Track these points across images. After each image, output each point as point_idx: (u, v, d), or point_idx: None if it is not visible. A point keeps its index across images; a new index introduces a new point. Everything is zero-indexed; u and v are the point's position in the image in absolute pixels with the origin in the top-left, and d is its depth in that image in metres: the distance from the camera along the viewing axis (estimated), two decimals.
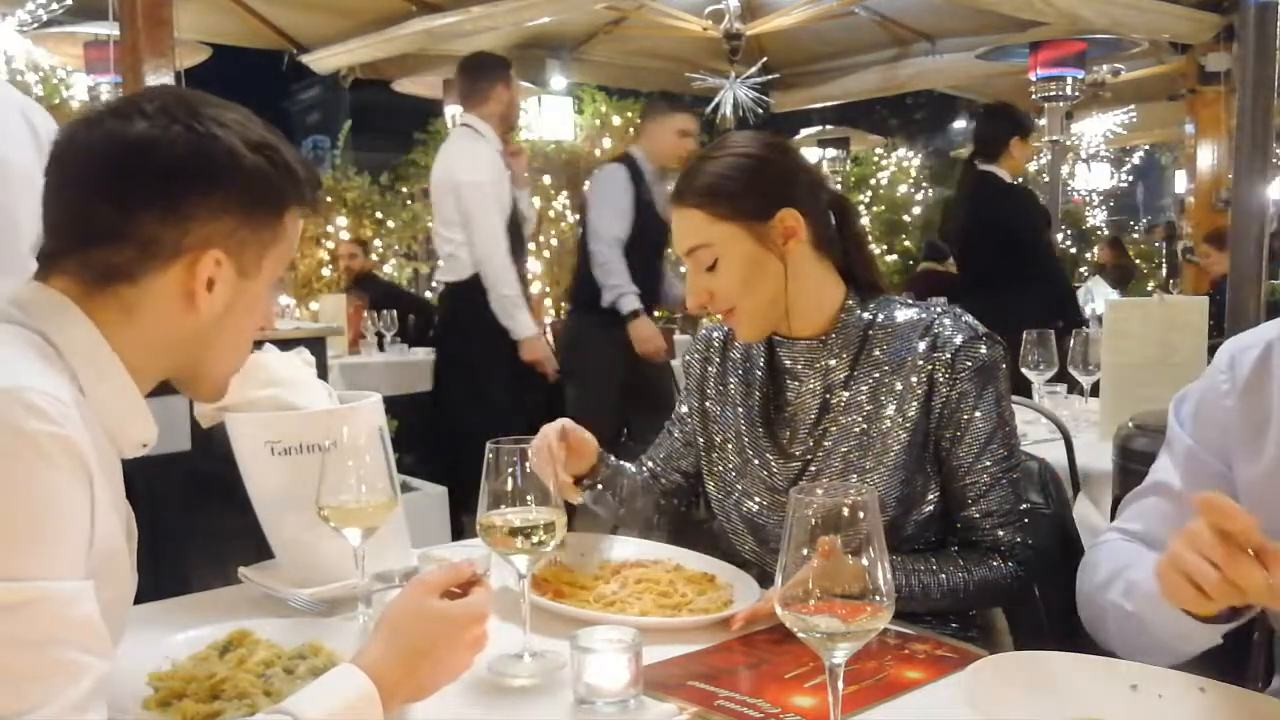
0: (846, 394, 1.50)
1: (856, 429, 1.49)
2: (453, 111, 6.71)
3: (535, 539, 1.18)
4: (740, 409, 1.60)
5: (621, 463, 1.66)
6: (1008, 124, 4.22)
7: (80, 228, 1.00)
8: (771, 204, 1.47)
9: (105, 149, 0.99)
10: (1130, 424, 1.70)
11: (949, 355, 1.45)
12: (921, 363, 1.46)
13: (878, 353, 1.49)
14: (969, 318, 1.50)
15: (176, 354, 1.05)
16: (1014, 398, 1.53)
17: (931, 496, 1.48)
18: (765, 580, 1.44)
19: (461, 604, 1.05)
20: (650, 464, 1.73)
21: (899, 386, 1.47)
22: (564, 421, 1.50)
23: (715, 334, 1.68)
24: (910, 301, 1.56)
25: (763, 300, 1.49)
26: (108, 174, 0.99)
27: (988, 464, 1.46)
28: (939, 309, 1.52)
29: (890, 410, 1.47)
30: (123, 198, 0.99)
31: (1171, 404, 1.30)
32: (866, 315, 1.52)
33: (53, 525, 0.85)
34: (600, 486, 1.59)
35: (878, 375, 1.49)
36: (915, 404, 1.46)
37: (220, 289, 1.03)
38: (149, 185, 0.99)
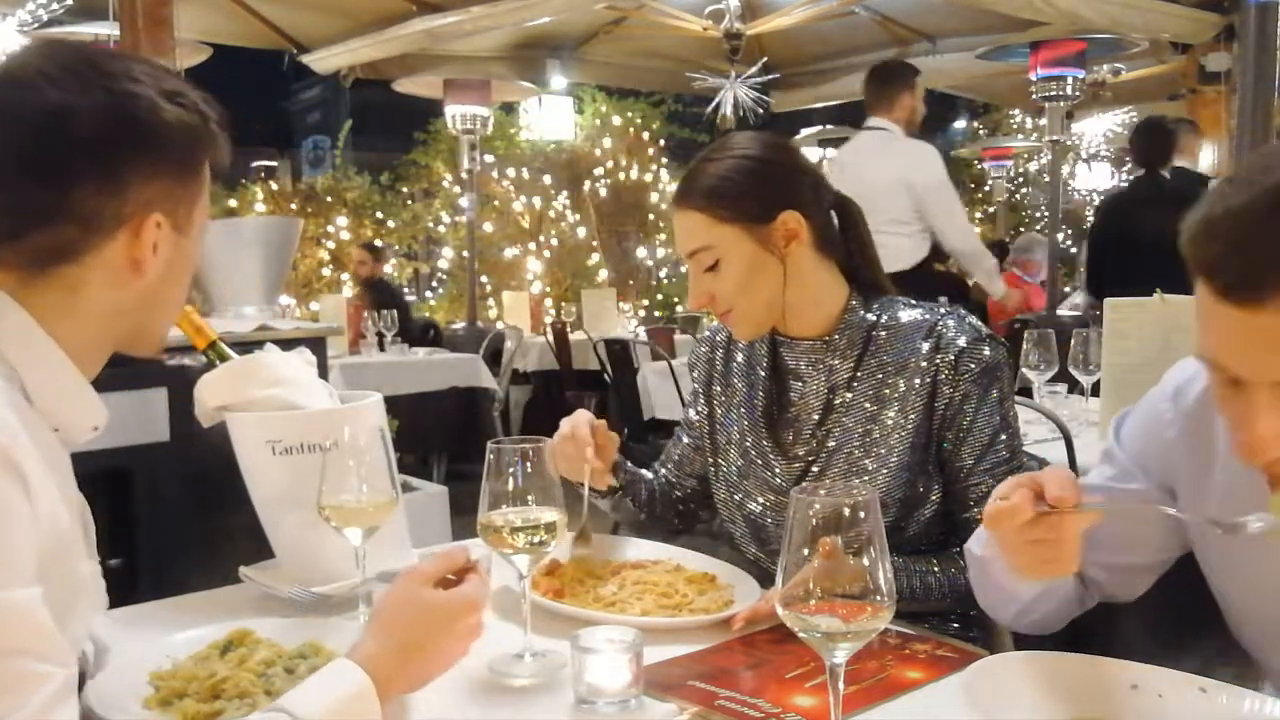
0: (850, 395, 1.50)
1: (859, 430, 1.49)
2: (454, 111, 6.72)
3: (536, 539, 1.18)
4: (744, 409, 1.60)
5: (639, 469, 1.67)
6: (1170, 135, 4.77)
7: (11, 213, 0.94)
8: (773, 206, 1.47)
9: (20, 124, 0.93)
10: None
11: (952, 356, 1.45)
12: (925, 364, 1.46)
13: (881, 354, 1.49)
14: (973, 319, 1.50)
15: (123, 322, 1.03)
16: (1015, 397, 1.53)
17: (934, 498, 1.48)
18: (766, 581, 1.44)
19: (455, 594, 1.05)
20: (664, 472, 1.73)
21: (902, 387, 1.47)
22: (586, 414, 1.51)
23: (720, 335, 1.68)
24: (914, 302, 1.55)
25: (761, 303, 1.49)
26: (31, 151, 0.93)
27: (990, 466, 1.45)
28: (943, 310, 1.51)
29: (893, 411, 1.47)
30: (54, 175, 0.93)
31: (1112, 421, 1.27)
32: (870, 316, 1.51)
33: None
34: (621, 492, 1.61)
35: (881, 376, 1.49)
36: (918, 405, 1.46)
37: (162, 250, 1.00)
38: (80, 158, 0.93)
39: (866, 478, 1.46)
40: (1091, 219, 5.37)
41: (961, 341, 1.45)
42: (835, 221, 1.56)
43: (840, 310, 1.52)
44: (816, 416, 1.52)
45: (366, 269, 7.12)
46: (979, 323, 1.49)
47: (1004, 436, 1.46)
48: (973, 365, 1.45)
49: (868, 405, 1.49)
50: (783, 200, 1.47)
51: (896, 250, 4.12)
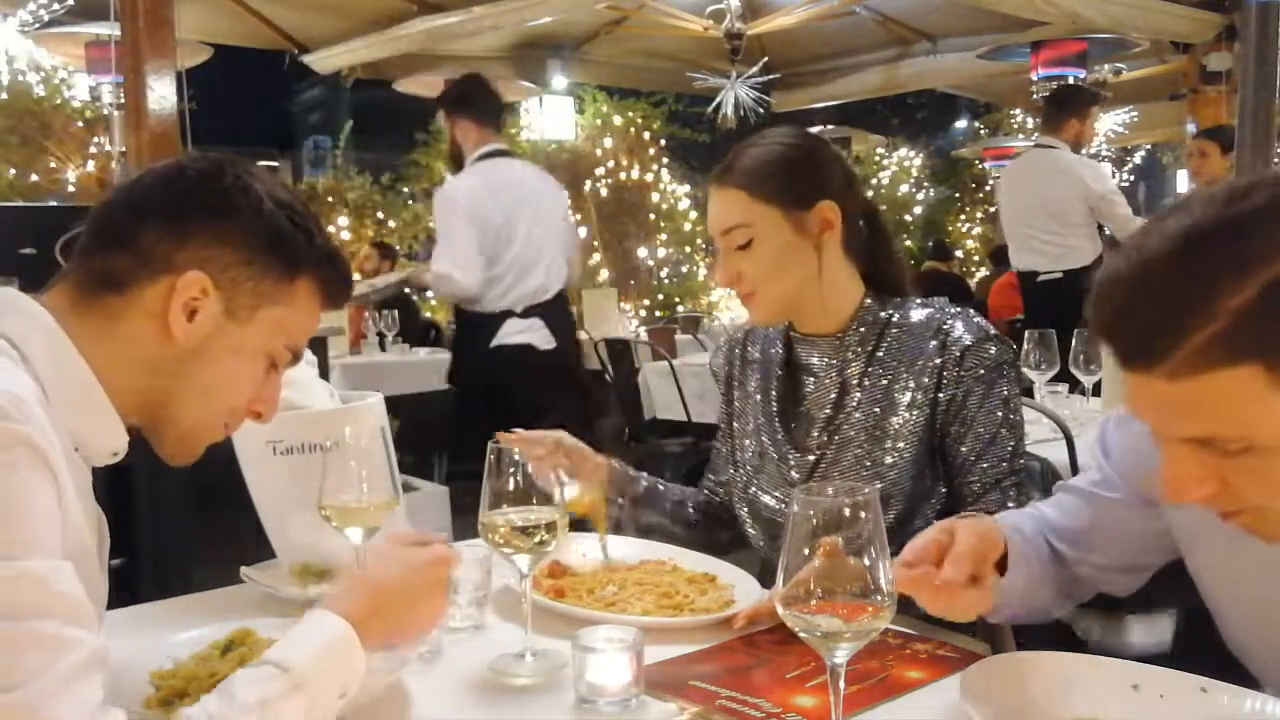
0: (860, 391, 1.51)
1: (868, 425, 1.50)
2: None
3: (536, 538, 1.18)
4: (759, 405, 1.62)
5: (665, 484, 1.68)
6: None
7: (95, 234, 1.05)
8: (812, 193, 1.49)
9: (151, 175, 1.07)
10: None
11: (958, 353, 1.46)
12: (932, 362, 1.47)
13: (892, 351, 1.51)
14: (980, 319, 1.51)
15: (151, 379, 1.03)
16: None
17: (939, 493, 1.49)
18: (770, 577, 1.45)
19: (423, 547, 1.11)
20: (709, 488, 1.74)
21: (910, 384, 1.48)
22: (560, 434, 1.55)
23: (739, 334, 1.71)
24: (926, 302, 1.56)
25: (788, 288, 1.51)
26: (135, 190, 1.06)
27: (990, 464, 1.46)
28: (952, 310, 1.53)
29: (901, 407, 1.48)
30: (137, 206, 1.04)
31: (1100, 423, 1.28)
32: (884, 314, 1.53)
33: (23, 512, 0.85)
34: (628, 502, 1.60)
35: (891, 373, 1.50)
36: (924, 402, 1.47)
37: (202, 320, 1.03)
38: (163, 199, 1.04)
39: (876, 472, 1.48)
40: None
41: (967, 339, 1.47)
42: (864, 229, 1.57)
43: (856, 308, 1.54)
44: (828, 411, 1.53)
45: (372, 264, 7.07)
46: (986, 323, 1.51)
47: (1005, 433, 1.46)
48: (977, 363, 1.46)
49: (877, 401, 1.50)
50: (821, 189, 1.50)
51: (1075, 251, 4.62)
